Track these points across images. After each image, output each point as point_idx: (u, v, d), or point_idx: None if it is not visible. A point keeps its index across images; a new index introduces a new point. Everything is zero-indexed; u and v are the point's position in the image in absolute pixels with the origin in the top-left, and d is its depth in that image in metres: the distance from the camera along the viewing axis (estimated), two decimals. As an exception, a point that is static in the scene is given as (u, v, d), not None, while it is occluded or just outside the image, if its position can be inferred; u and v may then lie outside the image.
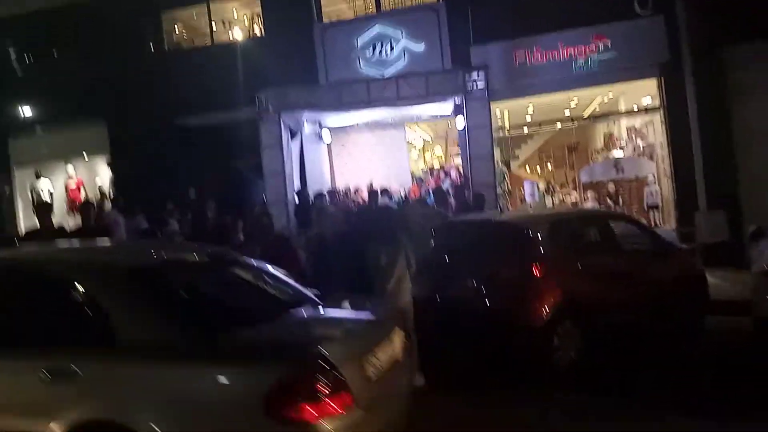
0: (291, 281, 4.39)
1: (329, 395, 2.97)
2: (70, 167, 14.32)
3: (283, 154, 10.29)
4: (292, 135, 11.12)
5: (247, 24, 14.23)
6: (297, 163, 11.40)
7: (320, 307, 4.08)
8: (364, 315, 4.13)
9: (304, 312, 3.89)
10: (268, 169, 10.31)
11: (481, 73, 9.88)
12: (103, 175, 14.75)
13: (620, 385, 5.62)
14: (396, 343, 3.90)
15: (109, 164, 14.20)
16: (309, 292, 4.24)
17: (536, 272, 6.00)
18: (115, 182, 14.09)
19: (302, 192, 10.99)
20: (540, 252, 6.16)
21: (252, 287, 4.20)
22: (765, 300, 5.82)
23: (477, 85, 9.84)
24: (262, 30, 13.85)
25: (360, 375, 3.28)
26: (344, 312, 4.26)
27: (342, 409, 3.01)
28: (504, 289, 6.02)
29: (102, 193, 13.91)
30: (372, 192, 10.89)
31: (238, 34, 14.05)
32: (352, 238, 6.26)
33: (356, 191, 12.01)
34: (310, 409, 2.92)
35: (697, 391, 5.40)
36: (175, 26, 14.77)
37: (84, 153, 14.79)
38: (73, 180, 14.26)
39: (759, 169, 10.70)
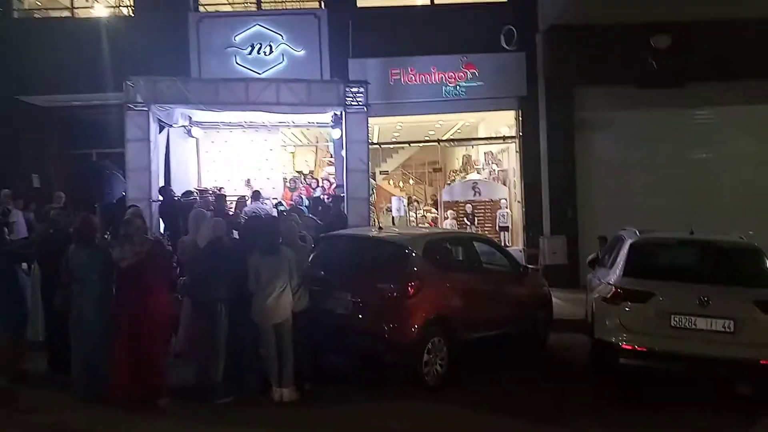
0: None
1: None
2: None
3: (150, 149, 9.64)
4: (161, 128, 10.48)
5: (113, 1, 13.18)
6: (163, 158, 10.76)
7: None
8: None
9: None
10: (133, 164, 9.56)
11: (362, 88, 10.07)
12: None
13: (480, 398, 6.11)
14: None
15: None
16: None
17: (411, 290, 6.27)
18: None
19: (166, 189, 10.38)
20: (415, 270, 6.46)
21: None
22: (602, 324, 6.60)
23: (357, 100, 10.00)
24: (131, 10, 12.93)
25: None
26: None
27: None
28: (380, 304, 6.21)
29: None
30: (241, 198, 10.62)
31: (102, 11, 12.93)
32: (233, 248, 6.12)
33: (220, 189, 11.60)
34: None
35: (547, 401, 6.02)
36: (29, -8, 13.30)
37: None
38: None
39: (595, 201, 12.12)
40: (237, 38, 12.23)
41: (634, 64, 11.62)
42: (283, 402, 5.75)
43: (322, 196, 11.31)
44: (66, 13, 13.01)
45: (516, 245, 12.87)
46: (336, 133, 11.21)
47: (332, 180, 12.82)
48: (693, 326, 6.00)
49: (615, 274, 6.69)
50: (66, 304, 5.74)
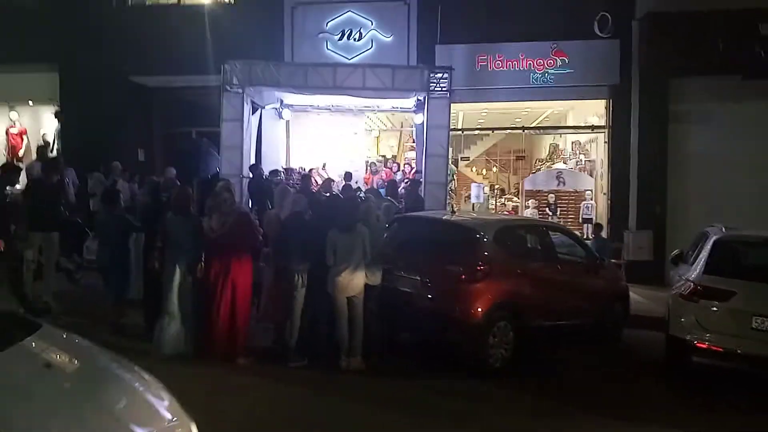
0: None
1: None
2: (13, 113, 13.78)
3: (243, 128, 10.28)
4: (253, 110, 11.10)
5: (217, -11, 13.95)
6: (254, 138, 11.40)
7: None
8: None
9: None
10: (227, 143, 10.26)
11: (446, 74, 10.17)
12: (47, 125, 14.15)
13: (543, 385, 6.15)
14: None
15: (55, 114, 13.63)
16: None
17: (479, 273, 6.38)
18: (61, 134, 13.57)
19: (256, 167, 11.01)
20: (485, 254, 6.56)
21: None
22: (677, 320, 6.42)
23: (441, 85, 10.12)
24: (232, -3, 13.66)
25: None
26: None
27: None
28: (448, 286, 6.36)
29: (45, 143, 13.37)
30: (327, 179, 11.03)
31: (206, -2, 13.74)
32: (313, 223, 6.47)
33: (310, 170, 12.07)
34: None
35: (611, 396, 5.97)
36: (141, -20, 14.31)
37: (30, 99, 14.21)
38: (16, 126, 13.72)
39: (685, 196, 11.57)
40: (329, 24, 12.67)
41: (738, 54, 10.92)
42: (349, 370, 6.06)
43: (400, 181, 11.55)
44: (173, 0, 13.91)
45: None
46: (418, 118, 11.38)
47: (413, 164, 13.04)
48: (776, 329, 5.73)
49: (696, 271, 6.47)
50: (160, 266, 6.33)
